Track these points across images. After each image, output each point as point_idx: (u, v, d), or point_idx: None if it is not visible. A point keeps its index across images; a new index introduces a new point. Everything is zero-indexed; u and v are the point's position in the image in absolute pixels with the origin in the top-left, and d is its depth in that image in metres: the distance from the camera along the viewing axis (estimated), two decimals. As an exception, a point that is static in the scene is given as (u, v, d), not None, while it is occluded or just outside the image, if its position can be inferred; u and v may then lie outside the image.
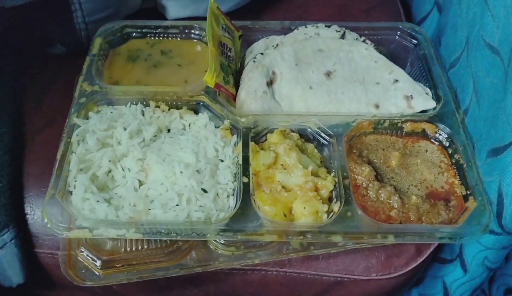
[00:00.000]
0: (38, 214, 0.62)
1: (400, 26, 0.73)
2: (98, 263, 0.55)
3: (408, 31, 0.73)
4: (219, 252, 0.57)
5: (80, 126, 0.59)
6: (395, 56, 0.72)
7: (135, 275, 0.55)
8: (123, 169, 0.57)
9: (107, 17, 0.73)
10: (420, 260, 0.61)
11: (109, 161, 0.56)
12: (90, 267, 0.55)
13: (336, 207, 0.55)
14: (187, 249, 0.57)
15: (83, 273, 0.55)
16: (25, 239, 0.60)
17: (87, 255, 0.55)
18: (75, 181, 0.54)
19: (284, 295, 0.63)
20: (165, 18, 0.78)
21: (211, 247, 0.58)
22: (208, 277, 0.61)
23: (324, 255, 0.60)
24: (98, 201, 0.53)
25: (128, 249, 0.56)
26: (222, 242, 0.57)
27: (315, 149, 0.62)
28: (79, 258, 0.55)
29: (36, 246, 0.61)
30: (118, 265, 0.55)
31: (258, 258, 0.57)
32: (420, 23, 0.83)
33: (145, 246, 0.57)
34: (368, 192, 0.56)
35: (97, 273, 0.55)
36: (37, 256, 0.61)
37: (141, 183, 0.56)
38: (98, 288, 0.63)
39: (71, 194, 0.54)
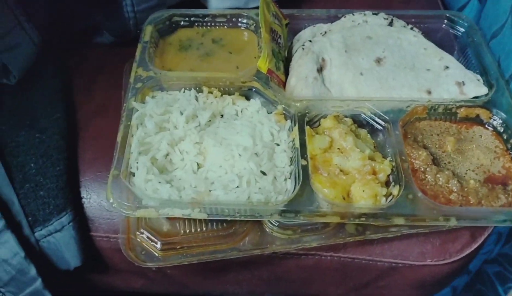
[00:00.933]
0: (94, 197, 0.63)
1: (447, 14, 0.73)
2: (158, 245, 0.56)
3: (455, 19, 0.73)
4: (275, 235, 0.58)
5: (138, 110, 0.59)
6: (442, 44, 0.72)
7: (195, 257, 0.56)
8: (181, 152, 0.58)
9: (154, 7, 0.74)
10: (475, 246, 0.60)
11: (168, 144, 0.57)
12: (149, 249, 0.56)
13: (395, 190, 0.55)
14: (244, 232, 0.57)
15: (143, 254, 0.55)
16: (81, 222, 0.61)
17: (147, 237, 0.56)
18: (137, 162, 0.55)
19: (337, 280, 0.63)
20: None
21: (267, 230, 0.58)
22: (262, 261, 0.61)
23: (379, 241, 0.60)
24: (160, 182, 0.54)
25: (187, 231, 0.57)
26: (277, 225, 0.58)
27: (368, 134, 0.62)
28: (139, 240, 0.56)
29: (92, 230, 0.62)
30: (178, 247, 0.56)
31: (314, 242, 0.57)
32: (460, 11, 0.82)
33: (204, 229, 0.57)
34: (426, 176, 0.56)
35: (157, 255, 0.55)
36: (93, 240, 0.62)
37: (199, 166, 0.57)
38: (151, 273, 0.63)
39: (133, 176, 0.54)
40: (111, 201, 0.51)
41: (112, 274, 0.65)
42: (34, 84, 0.70)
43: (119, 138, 0.57)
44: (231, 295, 0.68)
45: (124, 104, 0.60)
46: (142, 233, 0.56)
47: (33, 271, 0.58)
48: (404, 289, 0.64)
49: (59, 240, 0.60)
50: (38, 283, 0.58)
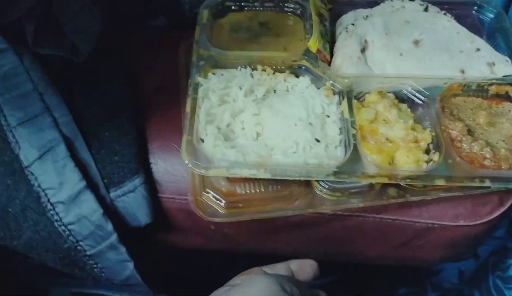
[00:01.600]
0: (161, 163, 0.69)
1: (478, 2, 0.79)
2: (222, 203, 0.62)
3: (484, 5, 0.79)
4: (325, 197, 0.64)
5: (202, 85, 0.66)
6: (472, 30, 0.78)
7: (254, 214, 0.63)
8: (241, 122, 0.64)
9: None
10: (502, 209, 0.67)
11: (230, 116, 0.64)
12: (215, 207, 0.63)
13: (435, 156, 0.61)
14: (298, 195, 0.64)
15: (209, 211, 0.63)
16: (151, 184, 0.68)
17: (212, 197, 0.63)
18: (206, 130, 0.62)
19: (378, 239, 0.70)
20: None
21: (317, 193, 0.65)
22: (311, 222, 0.68)
23: (416, 204, 0.67)
24: (226, 147, 0.61)
25: (247, 192, 0.64)
26: (327, 188, 0.64)
27: (408, 108, 0.68)
28: (204, 199, 0.63)
29: (159, 192, 0.69)
30: (240, 205, 0.63)
31: (360, 203, 0.64)
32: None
33: (262, 190, 0.64)
34: (462, 144, 0.63)
35: (221, 212, 0.62)
36: (160, 200, 0.69)
37: (258, 135, 0.64)
38: (210, 232, 0.70)
39: (202, 141, 0.61)
40: (186, 161, 0.58)
41: (175, 233, 0.72)
42: (100, 62, 0.76)
43: (188, 109, 0.63)
44: (279, 253, 0.75)
45: (189, 80, 0.67)
46: (207, 192, 0.63)
47: (109, 226, 0.64)
48: (438, 248, 0.71)
49: (132, 200, 0.66)
50: (114, 237, 0.65)
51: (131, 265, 0.66)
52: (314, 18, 0.68)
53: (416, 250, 0.72)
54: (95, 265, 0.66)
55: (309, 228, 0.69)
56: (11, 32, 0.68)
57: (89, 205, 0.64)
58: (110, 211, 0.66)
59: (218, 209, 0.63)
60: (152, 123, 0.72)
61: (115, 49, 0.79)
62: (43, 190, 0.63)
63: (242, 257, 0.72)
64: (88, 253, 0.65)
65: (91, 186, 0.65)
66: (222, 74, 0.69)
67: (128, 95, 0.73)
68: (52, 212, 0.63)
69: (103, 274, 0.68)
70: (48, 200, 0.63)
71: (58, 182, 0.63)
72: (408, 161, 0.61)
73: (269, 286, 0.48)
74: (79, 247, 0.65)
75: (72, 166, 0.63)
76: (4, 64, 0.66)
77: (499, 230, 0.91)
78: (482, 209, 0.67)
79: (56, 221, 0.63)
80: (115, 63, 0.77)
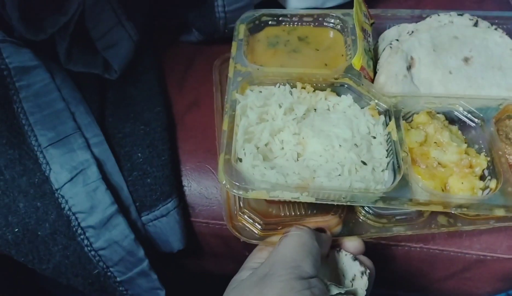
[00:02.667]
0: (194, 186, 0.67)
1: (531, 16, 0.75)
2: (259, 225, 0.59)
3: (538, 21, 0.74)
4: (370, 223, 0.60)
5: (240, 102, 0.63)
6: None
7: None
8: (280, 142, 0.61)
9: (243, 7, 0.78)
10: None
11: (269, 134, 0.60)
12: (251, 228, 0.59)
13: (492, 184, 0.56)
14: (341, 219, 0.60)
15: (245, 233, 0.59)
16: (184, 208, 0.65)
17: (249, 218, 0.60)
18: (244, 149, 0.58)
19: (424, 271, 0.65)
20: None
21: (361, 219, 0.61)
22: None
23: (467, 234, 0.62)
24: (265, 168, 0.57)
25: (286, 214, 0.60)
26: (372, 214, 0.60)
27: (459, 131, 0.64)
28: (240, 220, 0.60)
29: (192, 216, 0.66)
30: (278, 228, 0.59)
31: (408, 231, 0.60)
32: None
33: (303, 212, 0.60)
34: (521, 170, 0.58)
35: (258, 234, 0.59)
36: (193, 225, 0.66)
37: (298, 155, 0.60)
38: (243, 257, 0.66)
39: (240, 161, 0.58)
40: (224, 182, 0.55)
41: (208, 258, 0.69)
42: (133, 79, 0.74)
43: (225, 127, 0.60)
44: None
45: (226, 97, 0.64)
46: (243, 213, 0.60)
47: (141, 252, 0.62)
48: (489, 282, 0.65)
49: (165, 224, 0.64)
50: (145, 264, 0.62)
51: (162, 293, 0.63)
52: (358, 33, 0.65)
53: (464, 283, 0.67)
54: (125, 292, 0.63)
55: (351, 255, 0.65)
56: (42, 49, 0.67)
57: (120, 229, 0.61)
58: (141, 235, 0.63)
59: (255, 231, 0.59)
60: (185, 144, 0.69)
61: (150, 66, 0.77)
62: (73, 214, 0.61)
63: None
64: (118, 279, 0.62)
65: (123, 209, 0.62)
66: (260, 91, 0.66)
67: (161, 114, 0.70)
68: (82, 237, 0.61)
69: (133, 301, 0.65)
70: (79, 224, 0.61)
71: (89, 205, 0.61)
72: (463, 187, 0.56)
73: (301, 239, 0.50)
74: (109, 273, 0.62)
75: (103, 188, 0.61)
76: (35, 82, 0.65)
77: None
78: None
79: (86, 246, 0.60)
80: (148, 80, 0.75)
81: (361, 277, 0.54)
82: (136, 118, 0.69)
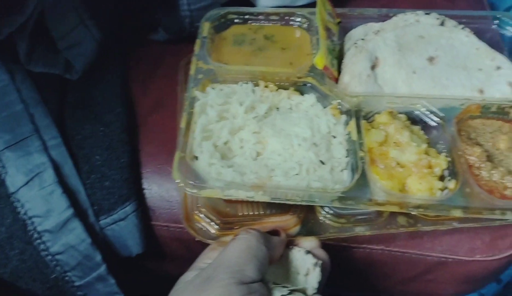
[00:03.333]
0: (155, 189, 0.65)
1: (498, 16, 0.74)
2: (215, 224, 0.58)
3: (506, 20, 0.73)
4: (329, 223, 0.60)
5: (199, 99, 0.62)
6: (491, 45, 0.73)
7: None
8: (240, 140, 0.60)
9: (208, 6, 0.76)
10: (525, 242, 0.61)
11: (228, 133, 0.59)
12: (208, 227, 0.58)
13: (451, 184, 0.56)
14: (300, 219, 0.59)
15: (201, 232, 0.58)
16: (144, 211, 0.64)
17: (206, 217, 0.59)
18: (201, 147, 0.57)
19: (386, 273, 0.64)
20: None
21: (320, 219, 0.60)
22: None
23: (429, 236, 0.62)
24: (222, 166, 0.56)
25: (244, 213, 0.59)
26: (331, 214, 0.59)
27: (421, 131, 0.63)
28: (197, 219, 0.59)
29: (152, 219, 0.65)
30: (235, 228, 0.58)
31: (367, 231, 0.59)
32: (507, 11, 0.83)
33: (261, 212, 0.60)
34: (481, 171, 0.57)
35: (214, 233, 0.58)
36: (153, 228, 0.65)
37: (258, 154, 0.59)
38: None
39: (197, 159, 0.57)
40: (177, 180, 0.53)
41: (168, 261, 0.67)
42: (95, 80, 0.73)
43: (183, 124, 0.59)
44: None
45: (186, 94, 0.63)
46: (200, 212, 0.59)
47: (98, 257, 0.61)
48: (450, 283, 0.65)
49: (123, 228, 0.62)
50: (103, 268, 0.61)
51: (120, 298, 0.62)
52: (321, 32, 0.64)
53: (426, 285, 0.66)
54: (83, 297, 0.62)
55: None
56: (2, 49, 0.65)
57: (76, 234, 0.60)
58: (99, 239, 0.62)
59: (211, 230, 0.58)
60: (147, 146, 0.68)
61: (113, 66, 0.75)
62: (29, 218, 0.60)
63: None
64: (76, 284, 0.61)
65: (80, 213, 0.61)
66: (222, 89, 0.65)
67: (122, 115, 0.69)
68: (38, 241, 0.60)
69: (92, 306, 0.64)
70: (35, 228, 0.60)
71: (45, 209, 0.60)
72: (421, 188, 0.55)
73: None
74: (66, 278, 0.61)
75: (59, 192, 0.60)
76: None
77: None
78: (501, 242, 0.61)
79: (43, 250, 0.59)
80: (110, 81, 0.73)
81: (314, 269, 0.52)
82: (96, 119, 0.68)
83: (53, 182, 0.60)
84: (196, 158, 0.57)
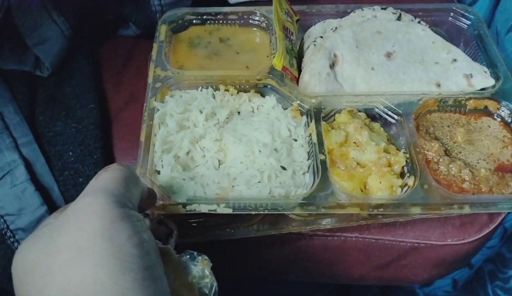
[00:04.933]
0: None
1: (454, 8, 0.75)
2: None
3: (461, 12, 0.75)
4: (291, 217, 0.60)
5: (159, 110, 0.61)
6: (448, 37, 0.74)
7: (213, 235, 0.59)
8: (202, 150, 0.59)
9: (179, 1, 0.76)
10: (492, 226, 0.64)
11: (189, 142, 0.59)
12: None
13: (410, 181, 0.57)
14: (262, 215, 0.60)
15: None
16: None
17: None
18: (162, 161, 0.57)
19: (361, 260, 0.66)
20: (227, 3, 0.80)
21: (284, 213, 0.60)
22: (289, 241, 0.64)
23: (401, 223, 0.64)
24: (184, 179, 0.56)
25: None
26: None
27: (381, 128, 0.64)
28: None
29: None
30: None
31: (328, 224, 0.60)
32: (471, 5, 0.84)
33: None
34: (439, 166, 0.59)
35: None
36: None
37: (220, 163, 0.59)
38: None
39: (159, 173, 0.56)
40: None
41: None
42: (66, 76, 0.72)
43: (142, 138, 0.58)
44: (256, 275, 0.71)
45: (144, 105, 0.62)
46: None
47: None
48: (424, 268, 0.67)
49: None
50: None
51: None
52: (278, 33, 0.63)
53: (401, 270, 0.68)
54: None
55: (286, 247, 0.65)
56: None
57: None
58: None
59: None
60: (121, 141, 0.68)
61: (84, 62, 0.74)
62: (1, 216, 0.59)
63: (220, 282, 0.68)
64: None
65: (54, 210, 0.60)
66: (181, 96, 0.64)
67: (94, 111, 0.68)
68: (12, 240, 0.60)
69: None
70: (7, 227, 0.60)
71: (18, 207, 0.59)
72: (381, 187, 0.56)
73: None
74: None
75: (32, 189, 0.60)
76: None
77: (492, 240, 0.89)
78: (471, 227, 0.64)
79: (17, 248, 0.58)
80: (82, 77, 0.72)
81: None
82: (68, 116, 0.67)
83: (25, 180, 0.60)
84: (158, 172, 0.56)
